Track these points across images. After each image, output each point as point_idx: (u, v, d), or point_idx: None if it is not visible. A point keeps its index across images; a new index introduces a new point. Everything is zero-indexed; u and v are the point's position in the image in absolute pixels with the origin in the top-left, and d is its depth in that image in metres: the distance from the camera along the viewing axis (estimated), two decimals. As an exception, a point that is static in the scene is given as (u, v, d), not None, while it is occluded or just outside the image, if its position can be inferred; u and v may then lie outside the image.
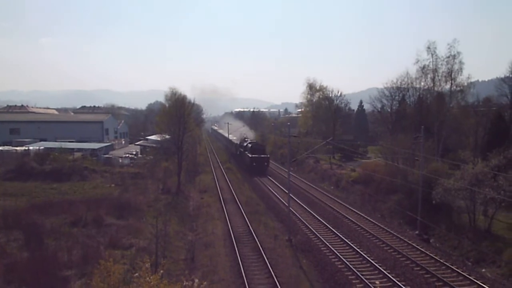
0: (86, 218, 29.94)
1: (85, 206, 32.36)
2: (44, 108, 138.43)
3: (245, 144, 69.28)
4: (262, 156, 62.85)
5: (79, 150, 61.35)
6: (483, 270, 24.13)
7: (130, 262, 22.67)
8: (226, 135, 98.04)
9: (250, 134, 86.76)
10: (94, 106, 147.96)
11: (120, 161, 57.35)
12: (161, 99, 72.10)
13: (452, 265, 23.94)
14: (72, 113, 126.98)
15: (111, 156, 60.37)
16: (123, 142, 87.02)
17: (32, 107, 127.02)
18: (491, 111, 54.46)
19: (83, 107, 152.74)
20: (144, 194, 40.03)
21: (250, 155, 62.15)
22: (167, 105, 53.92)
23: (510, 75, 52.30)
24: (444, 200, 30.07)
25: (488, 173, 28.61)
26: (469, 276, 22.33)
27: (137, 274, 18.51)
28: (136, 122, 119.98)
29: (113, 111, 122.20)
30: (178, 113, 47.29)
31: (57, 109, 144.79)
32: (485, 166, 30.18)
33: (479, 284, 21.21)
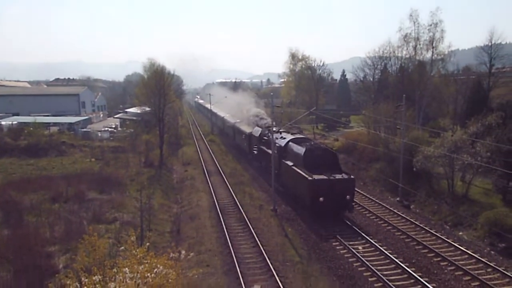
0: (67, 193, 29.99)
1: (65, 181, 32.32)
2: (15, 81, 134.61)
3: (283, 143, 32.83)
4: (340, 178, 26.82)
5: (55, 124, 60.38)
6: (460, 233, 25.32)
7: (115, 236, 23.02)
8: (220, 114, 69.39)
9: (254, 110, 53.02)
10: (69, 79, 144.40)
11: (99, 135, 56.78)
12: (139, 70, 70.30)
13: (431, 229, 25.06)
14: (45, 86, 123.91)
15: (89, 130, 59.64)
16: (101, 115, 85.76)
17: (2, 80, 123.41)
18: (470, 80, 55.55)
19: (57, 79, 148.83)
20: (126, 168, 40.05)
21: (308, 177, 26.27)
22: (146, 76, 53.29)
23: (489, 44, 53.06)
24: (424, 167, 31.04)
25: (466, 140, 29.56)
26: (447, 239, 23.49)
27: (122, 247, 18.90)
28: (114, 94, 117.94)
29: (88, 83, 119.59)
30: (158, 84, 46.89)
31: (28, 82, 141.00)
32: (463, 133, 31.18)
33: (456, 246, 22.35)
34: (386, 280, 18.50)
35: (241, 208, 29.28)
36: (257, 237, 23.78)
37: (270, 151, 33.02)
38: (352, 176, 27.37)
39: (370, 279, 19.06)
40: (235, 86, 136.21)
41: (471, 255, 21.32)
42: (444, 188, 30.67)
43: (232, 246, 22.54)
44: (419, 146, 31.71)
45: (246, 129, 47.62)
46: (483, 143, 28.45)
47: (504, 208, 25.79)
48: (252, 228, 25.29)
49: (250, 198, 32.50)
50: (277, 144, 32.51)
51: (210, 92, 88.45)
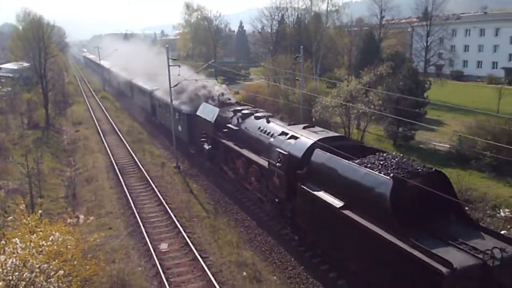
0: None
1: None
2: None
3: (298, 150, 16.97)
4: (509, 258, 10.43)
5: None
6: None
7: (1, 206, 21.11)
8: (122, 74, 52.51)
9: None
10: None
11: (-31, 95, 50.47)
12: (12, 20, 62.64)
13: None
14: None
15: (-46, 90, 52.61)
16: (-31, 72, 75.95)
17: None
18: (363, 31, 59.05)
19: None
20: (6, 131, 36.38)
21: (443, 268, 10.13)
22: (20, 27, 48.13)
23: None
24: (323, 117, 32.76)
25: (360, 89, 31.68)
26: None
27: (11, 217, 17.42)
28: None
29: None
30: (36, 36, 42.54)
31: None
32: (358, 83, 33.31)
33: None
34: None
35: (141, 167, 28.49)
36: (161, 195, 23.48)
37: (260, 160, 20.11)
38: None
39: (281, 231, 20.00)
40: (126, 38, 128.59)
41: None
42: (341, 136, 32.84)
43: (135, 206, 21.99)
44: (317, 96, 33.22)
45: (181, 104, 31.07)
46: (375, 92, 30.74)
47: (395, 152, 28.48)
48: (155, 186, 24.86)
49: (151, 156, 31.71)
50: (281, 150, 17.55)
51: (100, 45, 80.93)
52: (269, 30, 67.74)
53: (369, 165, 13.88)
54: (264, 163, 19.40)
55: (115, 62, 60.85)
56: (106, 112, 50.04)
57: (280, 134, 18.84)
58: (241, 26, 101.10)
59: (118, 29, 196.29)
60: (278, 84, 43.64)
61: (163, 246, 18.23)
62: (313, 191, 15.24)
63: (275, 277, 16.02)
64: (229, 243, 18.36)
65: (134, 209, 21.61)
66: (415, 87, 32.61)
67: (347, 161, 14.46)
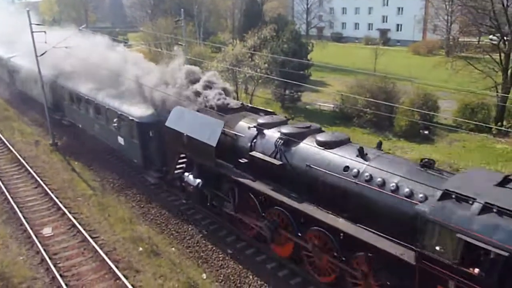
0: None
1: None
2: None
3: None
4: None
5: None
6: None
7: None
8: None
9: None
10: None
11: None
12: None
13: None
14: None
15: None
16: None
17: None
18: (245, -7, 59.56)
19: None
20: None
21: None
22: None
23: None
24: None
25: (246, 53, 32.30)
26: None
27: None
28: None
29: None
30: None
31: None
32: (243, 47, 33.84)
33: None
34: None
35: (11, 147, 26.11)
36: (38, 176, 21.85)
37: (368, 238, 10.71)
38: None
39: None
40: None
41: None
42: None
43: (7, 191, 20.22)
44: (202, 61, 33.10)
45: (120, 104, 21.09)
46: (260, 56, 31.57)
47: (283, 113, 29.84)
48: (30, 167, 23.00)
49: (22, 135, 29.12)
50: (479, 243, 8.30)
51: None
52: (147, -8, 65.02)
53: None
54: (386, 245, 10.31)
55: None
56: (-42, 88, 44.23)
57: (443, 198, 9.13)
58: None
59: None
60: (160, 49, 42.46)
61: (47, 231, 17.14)
62: None
63: (173, 249, 16.08)
64: (121, 219, 17.89)
65: (7, 194, 19.88)
66: (299, 49, 34.15)
67: None
